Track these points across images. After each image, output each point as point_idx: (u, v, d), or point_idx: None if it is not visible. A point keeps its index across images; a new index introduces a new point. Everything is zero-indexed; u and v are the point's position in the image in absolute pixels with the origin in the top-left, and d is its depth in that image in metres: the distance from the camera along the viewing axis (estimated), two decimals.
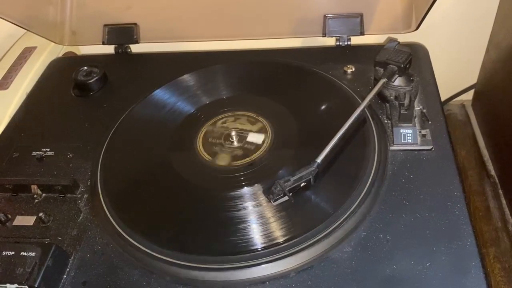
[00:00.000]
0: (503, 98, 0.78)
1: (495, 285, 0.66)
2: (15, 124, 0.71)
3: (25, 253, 0.49)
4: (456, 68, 0.88)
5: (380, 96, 0.63)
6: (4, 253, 0.49)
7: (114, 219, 0.53)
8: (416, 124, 0.59)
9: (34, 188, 0.59)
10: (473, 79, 0.90)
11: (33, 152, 0.65)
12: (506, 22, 0.77)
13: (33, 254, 0.49)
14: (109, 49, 0.82)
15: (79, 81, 0.74)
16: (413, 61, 0.63)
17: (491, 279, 0.67)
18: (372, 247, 0.49)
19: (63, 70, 0.80)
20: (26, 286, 0.47)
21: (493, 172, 0.81)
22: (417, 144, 0.57)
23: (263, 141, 0.60)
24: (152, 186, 0.58)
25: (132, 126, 0.65)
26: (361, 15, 0.74)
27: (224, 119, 0.64)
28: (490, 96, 0.85)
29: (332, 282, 0.46)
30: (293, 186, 0.52)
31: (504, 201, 0.76)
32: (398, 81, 0.62)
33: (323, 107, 0.64)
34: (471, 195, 0.77)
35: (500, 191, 0.78)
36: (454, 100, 0.92)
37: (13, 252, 0.49)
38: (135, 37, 0.80)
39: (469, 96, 0.94)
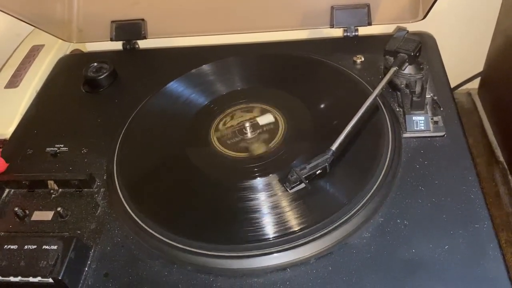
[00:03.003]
0: (510, 85, 0.78)
1: None
2: (27, 121, 0.71)
3: (47, 247, 0.49)
4: (462, 57, 0.89)
5: (391, 84, 0.63)
6: (26, 246, 0.49)
7: (132, 211, 0.54)
8: (428, 111, 0.60)
9: (50, 183, 0.59)
10: (479, 67, 0.91)
11: (47, 149, 0.65)
12: None
13: (55, 247, 0.49)
14: (116, 45, 0.83)
15: (90, 77, 0.74)
16: (421, 50, 0.64)
17: None
18: (390, 232, 0.49)
19: (72, 67, 0.80)
20: (50, 279, 0.47)
21: (501, 159, 0.81)
22: (429, 130, 0.58)
23: (276, 122, 0.62)
24: (169, 177, 0.59)
25: (147, 119, 0.66)
26: (368, 6, 0.74)
27: (238, 111, 0.65)
28: (496, 83, 0.86)
29: (352, 267, 0.47)
30: (309, 173, 0.53)
31: None
32: (408, 70, 0.62)
33: (335, 97, 0.65)
34: (481, 182, 0.78)
35: (510, 177, 0.78)
36: (460, 88, 0.93)
37: (35, 246, 0.49)
38: (143, 32, 0.80)
39: (475, 84, 0.94)
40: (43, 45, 0.83)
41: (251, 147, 0.60)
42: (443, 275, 0.45)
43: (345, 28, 0.76)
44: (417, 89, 0.60)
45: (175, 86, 0.69)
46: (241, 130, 0.62)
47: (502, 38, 0.81)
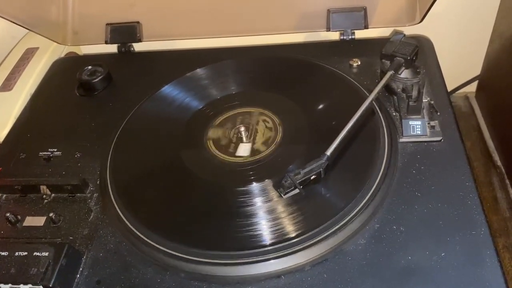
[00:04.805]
0: (507, 89, 0.78)
1: None
2: (20, 125, 0.70)
3: (38, 253, 0.48)
4: (460, 60, 0.88)
5: (387, 88, 0.63)
6: (17, 253, 0.49)
7: (125, 217, 0.53)
8: (425, 116, 0.59)
9: (43, 188, 0.58)
10: (476, 70, 0.91)
11: (40, 153, 0.64)
12: (509, 12, 0.77)
13: (46, 254, 0.48)
14: (111, 49, 0.82)
15: (84, 80, 0.73)
16: (418, 53, 0.63)
17: None
18: (386, 239, 0.49)
19: (66, 70, 0.79)
20: (41, 286, 0.47)
21: (499, 163, 0.81)
22: (426, 135, 0.57)
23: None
24: (163, 182, 0.58)
25: (141, 123, 0.65)
26: (365, 9, 0.74)
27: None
28: (494, 87, 0.86)
29: (348, 275, 0.46)
30: (303, 179, 0.52)
31: (511, 191, 0.77)
32: (404, 74, 0.62)
33: (331, 101, 0.64)
34: (478, 186, 0.77)
35: (507, 181, 0.78)
36: (457, 92, 0.93)
37: (26, 253, 0.49)
38: (138, 35, 0.80)
39: (472, 88, 0.94)
40: (37, 48, 0.83)
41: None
42: (439, 282, 0.45)
43: (342, 31, 0.75)
44: (414, 93, 0.59)
45: (170, 90, 0.69)
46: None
47: (500, 41, 0.81)
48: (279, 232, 0.49)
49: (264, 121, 0.62)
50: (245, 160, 0.58)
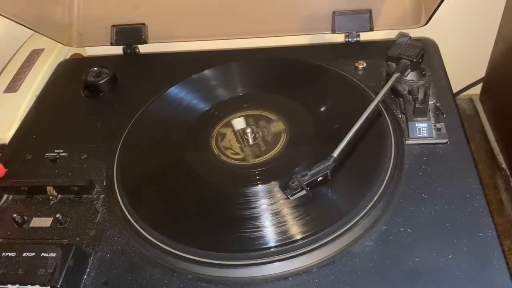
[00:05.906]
0: None
1: None
2: (26, 126, 0.70)
3: (45, 254, 0.49)
4: (464, 62, 0.88)
5: (393, 91, 0.63)
6: (24, 254, 0.49)
7: (132, 218, 0.53)
8: (431, 118, 0.59)
9: (49, 189, 0.59)
10: (481, 73, 0.90)
11: (46, 154, 0.64)
12: None
13: (54, 254, 0.48)
14: (116, 50, 0.82)
15: (90, 82, 0.73)
16: (424, 56, 0.63)
17: None
18: (393, 240, 0.49)
19: (72, 71, 0.80)
20: (48, 287, 0.47)
21: (504, 165, 0.81)
22: (432, 137, 0.58)
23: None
24: (169, 184, 0.58)
25: (147, 125, 0.65)
26: (370, 11, 0.74)
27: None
28: (498, 89, 0.86)
29: (355, 276, 0.46)
30: (310, 180, 0.52)
31: None
32: (410, 76, 0.62)
33: (337, 103, 0.64)
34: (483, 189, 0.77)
35: None
36: (461, 94, 0.93)
37: (33, 253, 0.49)
38: (143, 37, 0.80)
39: (476, 90, 0.94)
40: (43, 49, 0.83)
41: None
42: (446, 284, 0.45)
43: (347, 34, 0.75)
44: (420, 95, 0.59)
45: (176, 92, 0.69)
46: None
47: (504, 43, 0.81)
48: (286, 233, 0.49)
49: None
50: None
